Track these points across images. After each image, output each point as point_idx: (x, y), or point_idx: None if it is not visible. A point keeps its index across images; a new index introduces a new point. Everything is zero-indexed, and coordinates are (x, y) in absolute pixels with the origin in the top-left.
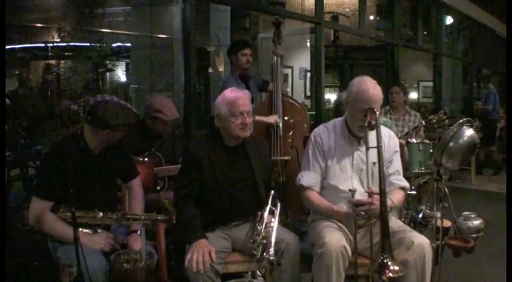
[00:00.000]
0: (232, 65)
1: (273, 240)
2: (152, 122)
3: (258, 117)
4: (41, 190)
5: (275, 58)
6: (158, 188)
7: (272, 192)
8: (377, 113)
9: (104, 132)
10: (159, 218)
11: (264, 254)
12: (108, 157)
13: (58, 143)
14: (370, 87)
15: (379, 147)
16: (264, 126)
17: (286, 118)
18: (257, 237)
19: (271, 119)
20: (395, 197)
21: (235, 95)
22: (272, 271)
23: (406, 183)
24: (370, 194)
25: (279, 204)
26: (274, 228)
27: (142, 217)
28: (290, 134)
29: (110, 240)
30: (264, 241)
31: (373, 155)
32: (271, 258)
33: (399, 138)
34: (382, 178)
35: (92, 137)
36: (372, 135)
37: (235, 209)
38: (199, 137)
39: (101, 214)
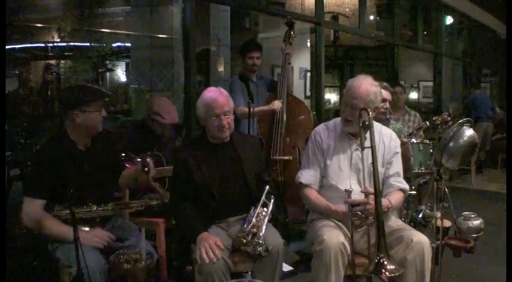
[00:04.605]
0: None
1: (263, 228)
2: (151, 123)
3: (259, 108)
4: (31, 189)
5: (283, 57)
6: (146, 169)
7: (267, 187)
8: (370, 113)
9: (72, 115)
10: (151, 202)
11: (254, 239)
12: (97, 153)
13: (45, 143)
14: (360, 84)
15: (372, 147)
16: (267, 119)
17: (290, 118)
18: (248, 227)
19: (274, 105)
20: (393, 198)
21: (211, 97)
22: (260, 256)
23: (405, 185)
24: (366, 194)
25: (272, 199)
26: (266, 219)
27: (135, 204)
28: (293, 133)
29: (103, 237)
30: (254, 230)
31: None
32: (260, 241)
33: (410, 134)
34: (377, 178)
35: (71, 129)
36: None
37: (227, 205)
38: (187, 139)
39: (95, 207)
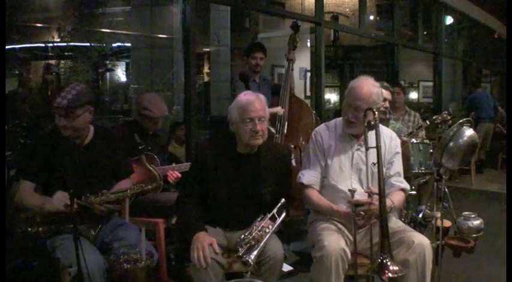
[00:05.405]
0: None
1: (261, 244)
2: (142, 120)
3: None
4: (22, 172)
5: (287, 63)
6: (140, 147)
7: (283, 200)
8: (376, 113)
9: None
10: (146, 187)
11: (246, 254)
12: (96, 149)
13: (45, 133)
14: (363, 85)
15: (378, 147)
16: (270, 119)
17: (292, 119)
18: (248, 236)
19: (275, 109)
20: (395, 198)
21: (247, 99)
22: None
23: (406, 185)
24: (370, 194)
25: (283, 214)
26: (268, 235)
27: (130, 189)
28: (295, 134)
29: (63, 199)
30: (253, 242)
31: (373, 155)
32: (250, 260)
33: (410, 133)
34: (381, 178)
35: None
36: (372, 135)
37: (233, 219)
38: (209, 137)
39: (93, 197)
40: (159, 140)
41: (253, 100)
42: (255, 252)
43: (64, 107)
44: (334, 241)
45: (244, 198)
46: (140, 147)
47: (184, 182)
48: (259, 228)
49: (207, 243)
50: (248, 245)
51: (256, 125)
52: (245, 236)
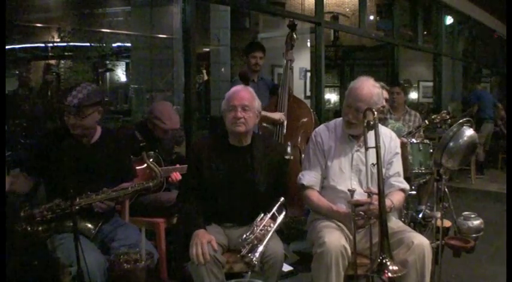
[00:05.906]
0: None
1: (263, 243)
2: (152, 127)
3: (263, 113)
4: (22, 166)
5: (285, 62)
6: (141, 145)
7: (282, 199)
8: (375, 113)
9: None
10: (147, 184)
11: (250, 254)
12: (103, 149)
13: (48, 131)
14: (363, 86)
15: (377, 147)
16: (269, 123)
17: (291, 119)
18: (250, 236)
19: (277, 115)
20: (395, 198)
21: (234, 90)
22: (251, 272)
23: (406, 185)
24: (369, 194)
25: (284, 213)
26: (270, 233)
27: (130, 187)
28: (294, 134)
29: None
30: (255, 242)
31: (372, 155)
32: (254, 259)
33: (409, 133)
34: (381, 178)
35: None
36: (371, 135)
37: (230, 211)
38: (207, 134)
39: (94, 195)
40: (166, 143)
41: (239, 90)
42: (259, 251)
43: (75, 105)
44: (334, 238)
45: (239, 189)
46: (141, 144)
47: (184, 178)
48: (261, 227)
49: (205, 240)
50: (251, 244)
51: (237, 112)
52: (247, 235)
